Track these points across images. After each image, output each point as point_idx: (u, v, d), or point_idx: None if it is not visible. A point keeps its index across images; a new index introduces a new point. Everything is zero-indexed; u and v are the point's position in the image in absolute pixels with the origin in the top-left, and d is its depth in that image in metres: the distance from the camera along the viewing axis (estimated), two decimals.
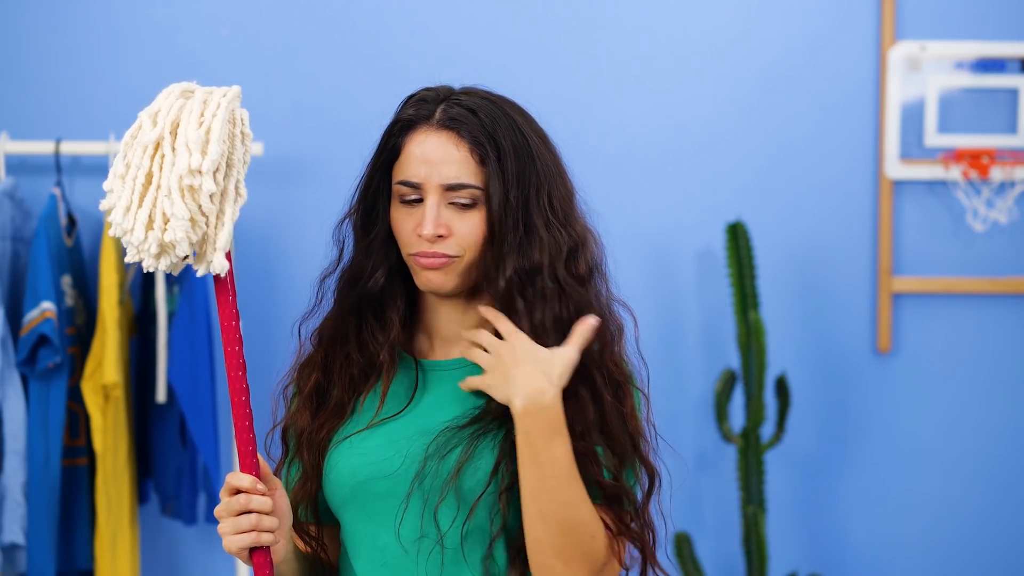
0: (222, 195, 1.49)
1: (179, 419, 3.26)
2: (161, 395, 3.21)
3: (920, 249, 3.53)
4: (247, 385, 1.56)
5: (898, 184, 3.52)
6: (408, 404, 1.65)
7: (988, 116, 3.50)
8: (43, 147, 3.28)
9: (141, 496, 3.36)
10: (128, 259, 1.48)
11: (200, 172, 1.44)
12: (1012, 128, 3.50)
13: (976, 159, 3.46)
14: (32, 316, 3.10)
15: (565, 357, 1.58)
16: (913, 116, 3.49)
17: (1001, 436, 3.57)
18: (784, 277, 3.52)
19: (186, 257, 1.49)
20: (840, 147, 3.52)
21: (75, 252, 3.27)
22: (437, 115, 1.63)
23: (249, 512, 1.54)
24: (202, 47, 3.44)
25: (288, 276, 3.44)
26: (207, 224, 1.48)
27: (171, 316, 3.22)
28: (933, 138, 3.48)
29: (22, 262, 3.23)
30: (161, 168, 1.46)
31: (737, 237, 3.35)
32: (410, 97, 1.67)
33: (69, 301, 3.20)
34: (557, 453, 1.55)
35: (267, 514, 1.55)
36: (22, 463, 3.15)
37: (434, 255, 1.61)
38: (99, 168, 3.40)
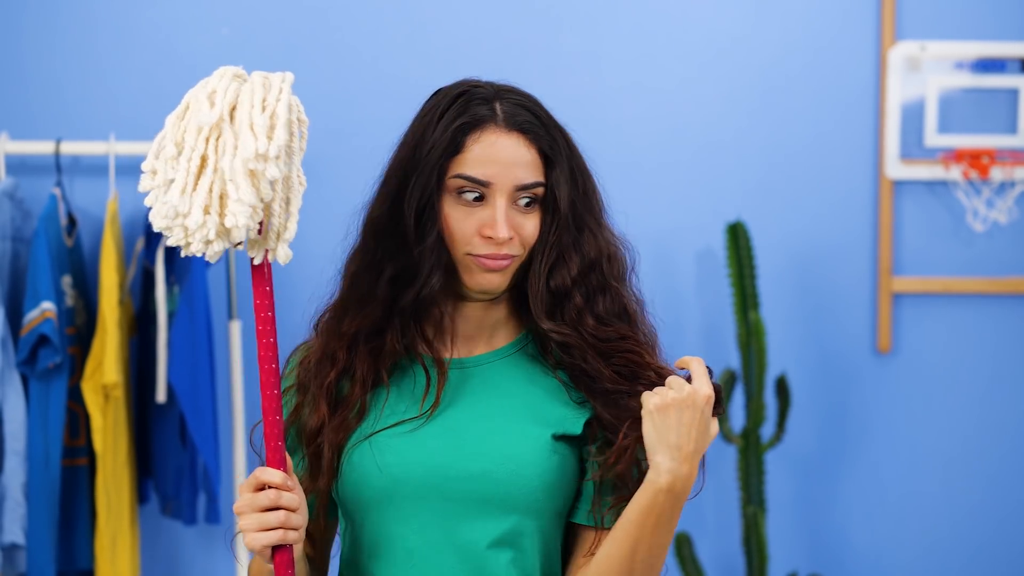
0: (285, 183, 1.45)
1: (179, 419, 3.26)
2: (161, 395, 3.21)
3: (920, 249, 3.53)
4: (279, 378, 1.51)
5: (898, 184, 3.52)
6: (436, 404, 1.61)
7: (988, 116, 3.50)
8: (43, 147, 3.28)
9: (141, 496, 3.36)
10: (172, 242, 1.43)
11: (266, 157, 1.40)
12: (1012, 128, 3.50)
13: (976, 159, 3.46)
14: (32, 316, 3.10)
15: (712, 435, 1.59)
16: (913, 116, 3.49)
17: (1001, 436, 3.57)
18: (784, 277, 3.52)
19: (238, 244, 1.44)
20: (840, 147, 3.52)
21: (75, 252, 3.27)
22: (500, 115, 1.60)
23: (277, 509, 1.50)
24: (202, 47, 3.44)
25: (288, 275, 3.44)
26: (270, 212, 1.44)
27: (171, 316, 3.21)
28: (933, 138, 3.48)
29: (22, 262, 3.23)
30: (216, 151, 1.41)
31: (737, 237, 3.35)
32: (460, 94, 1.62)
33: (69, 301, 3.20)
34: (672, 524, 1.57)
35: (293, 512, 1.51)
36: (22, 463, 3.15)
37: (503, 257, 1.59)
38: (99, 168, 3.40)
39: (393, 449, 1.60)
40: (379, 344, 1.63)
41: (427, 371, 1.62)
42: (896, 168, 3.49)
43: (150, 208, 1.45)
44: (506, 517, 1.58)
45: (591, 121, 3.49)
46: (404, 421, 1.60)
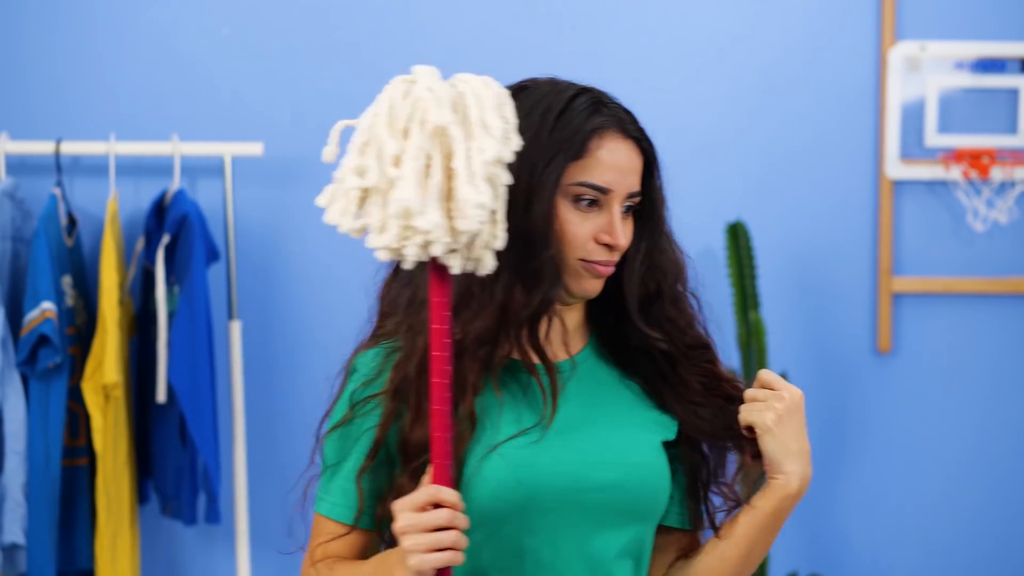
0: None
1: (179, 419, 3.26)
2: (161, 395, 3.21)
3: (920, 249, 3.53)
4: (450, 393, 1.44)
5: (898, 184, 3.52)
6: (554, 411, 1.56)
7: (988, 116, 3.50)
8: (43, 147, 3.28)
9: (141, 496, 3.36)
10: (380, 243, 1.36)
11: (503, 161, 1.36)
12: (1012, 128, 3.50)
13: (976, 159, 3.46)
14: (32, 316, 3.10)
15: None
16: (913, 116, 3.49)
17: (1002, 436, 3.57)
18: (784, 277, 3.52)
19: (453, 251, 1.38)
20: (840, 147, 3.52)
21: (75, 252, 3.27)
22: (615, 121, 1.60)
23: (450, 529, 1.43)
24: (202, 47, 3.44)
25: (288, 276, 3.44)
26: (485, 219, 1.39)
27: (171, 316, 3.21)
28: (933, 138, 3.48)
29: (22, 262, 3.23)
30: (440, 152, 1.35)
31: (737, 237, 3.35)
32: (574, 95, 1.62)
33: (69, 301, 3.20)
34: (782, 525, 1.61)
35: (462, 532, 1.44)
36: (22, 463, 3.14)
37: (613, 263, 1.58)
38: (99, 168, 3.40)
39: (525, 461, 1.55)
40: (490, 351, 1.55)
41: (540, 378, 1.57)
42: (896, 168, 3.49)
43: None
44: (630, 526, 1.58)
45: None
46: (527, 430, 1.55)
